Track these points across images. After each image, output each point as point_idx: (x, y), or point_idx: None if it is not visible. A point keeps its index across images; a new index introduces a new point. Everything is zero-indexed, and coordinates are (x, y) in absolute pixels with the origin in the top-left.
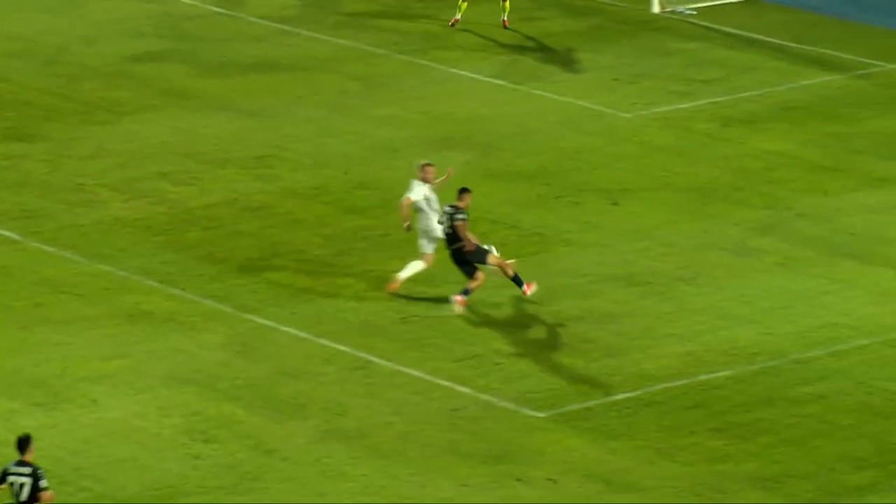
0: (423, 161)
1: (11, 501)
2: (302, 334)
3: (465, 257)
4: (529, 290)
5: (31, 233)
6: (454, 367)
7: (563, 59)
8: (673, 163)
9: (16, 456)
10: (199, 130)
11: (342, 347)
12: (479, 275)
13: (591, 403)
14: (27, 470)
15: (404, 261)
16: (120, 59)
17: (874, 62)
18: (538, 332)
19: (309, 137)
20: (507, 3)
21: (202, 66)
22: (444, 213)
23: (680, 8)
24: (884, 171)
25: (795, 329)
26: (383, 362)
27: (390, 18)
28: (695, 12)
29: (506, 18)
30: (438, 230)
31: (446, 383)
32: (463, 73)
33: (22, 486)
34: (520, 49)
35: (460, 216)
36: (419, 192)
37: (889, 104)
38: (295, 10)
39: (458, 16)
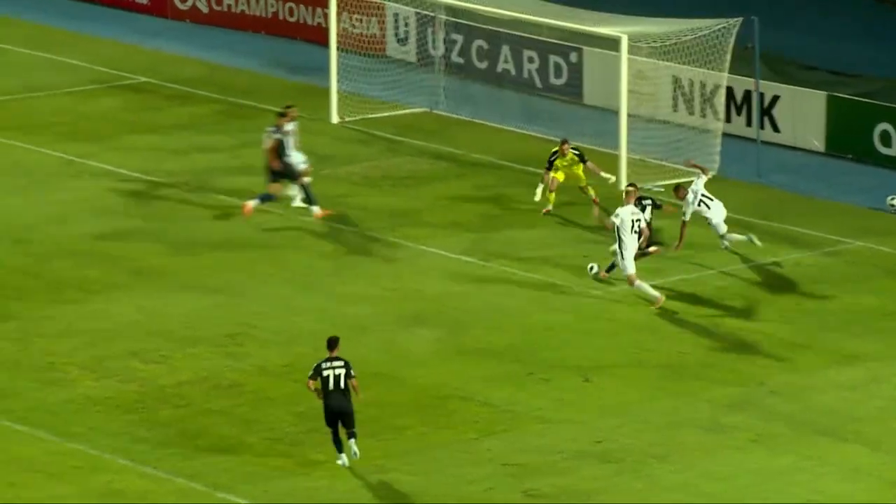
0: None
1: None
2: None
3: None
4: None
5: (2, 412)
6: None
7: (533, 237)
8: (644, 339)
9: None
10: (168, 309)
11: None
12: None
13: None
14: (340, 363)
15: (377, 438)
16: (89, 238)
17: (843, 239)
18: None
19: (278, 315)
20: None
21: (171, 244)
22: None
23: (648, 185)
24: (854, 348)
25: None
26: None
27: (359, 197)
28: (662, 189)
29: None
30: None
31: None
32: (432, 249)
33: (338, 377)
34: (489, 226)
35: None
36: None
37: (858, 281)
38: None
39: (550, 206)
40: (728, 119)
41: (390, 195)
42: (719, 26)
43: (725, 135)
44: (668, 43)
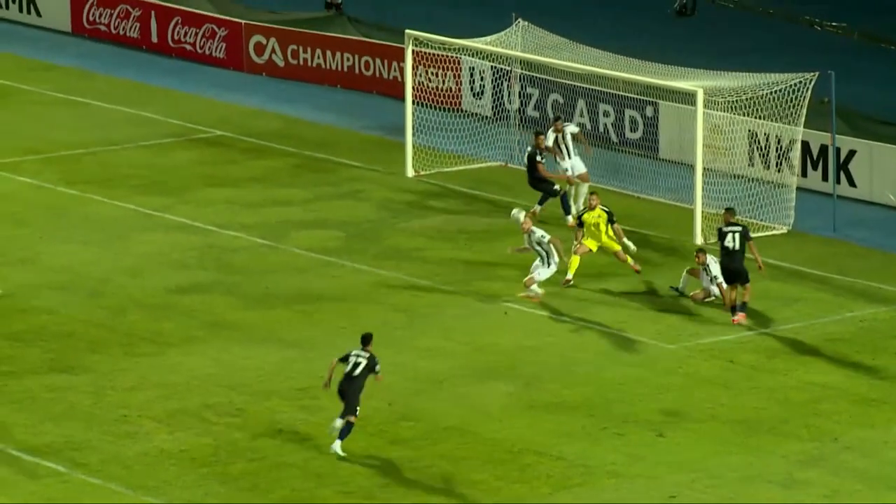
0: None
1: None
2: None
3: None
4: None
5: (76, 465)
6: None
7: (607, 291)
8: (718, 394)
9: None
10: (242, 362)
11: None
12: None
13: None
14: (366, 355)
15: (451, 493)
16: (164, 291)
17: None
18: None
19: None
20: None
21: (246, 297)
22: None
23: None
24: None
25: None
26: None
27: (434, 250)
28: None
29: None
30: None
31: None
32: (506, 304)
33: (358, 364)
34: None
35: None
36: None
37: None
38: (338, 241)
39: (570, 275)
40: (804, 173)
41: (465, 249)
42: (795, 80)
43: (801, 189)
44: (743, 97)
